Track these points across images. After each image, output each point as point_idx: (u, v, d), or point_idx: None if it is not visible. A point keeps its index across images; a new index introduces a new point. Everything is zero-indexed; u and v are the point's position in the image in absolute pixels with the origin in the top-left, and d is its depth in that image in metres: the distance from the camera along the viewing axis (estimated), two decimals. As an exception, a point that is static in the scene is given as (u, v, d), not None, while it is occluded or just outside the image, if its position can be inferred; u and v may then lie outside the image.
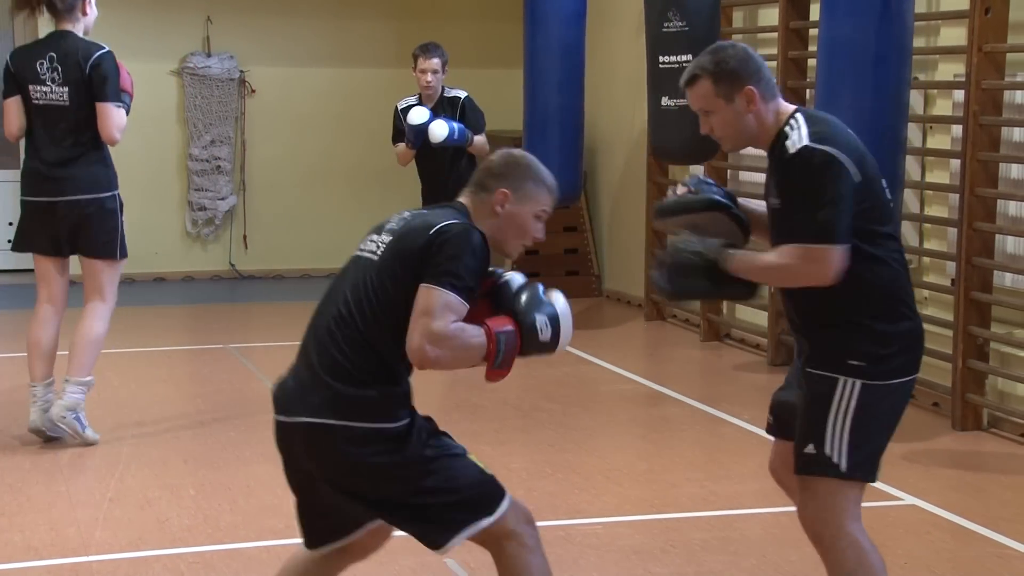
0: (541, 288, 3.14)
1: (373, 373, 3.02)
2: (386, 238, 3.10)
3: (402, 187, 10.29)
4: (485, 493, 3.11)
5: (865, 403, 3.09)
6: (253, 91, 9.90)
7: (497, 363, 3.00)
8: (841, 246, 3.04)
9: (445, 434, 3.18)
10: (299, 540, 4.31)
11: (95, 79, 5.28)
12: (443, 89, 6.90)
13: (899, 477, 5.05)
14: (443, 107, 6.87)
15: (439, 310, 2.91)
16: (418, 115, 6.68)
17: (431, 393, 6.59)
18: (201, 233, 9.95)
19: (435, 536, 3.11)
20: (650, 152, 8.01)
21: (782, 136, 3.16)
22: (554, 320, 3.07)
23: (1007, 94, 5.75)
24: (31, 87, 5.32)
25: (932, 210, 6.32)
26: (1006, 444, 5.58)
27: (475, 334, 2.97)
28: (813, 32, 6.93)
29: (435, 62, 6.81)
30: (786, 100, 7.54)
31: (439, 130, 6.58)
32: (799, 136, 3.12)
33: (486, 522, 3.07)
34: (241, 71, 9.86)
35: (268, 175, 10.02)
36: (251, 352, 7.45)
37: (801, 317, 3.21)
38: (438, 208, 3.17)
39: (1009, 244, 5.78)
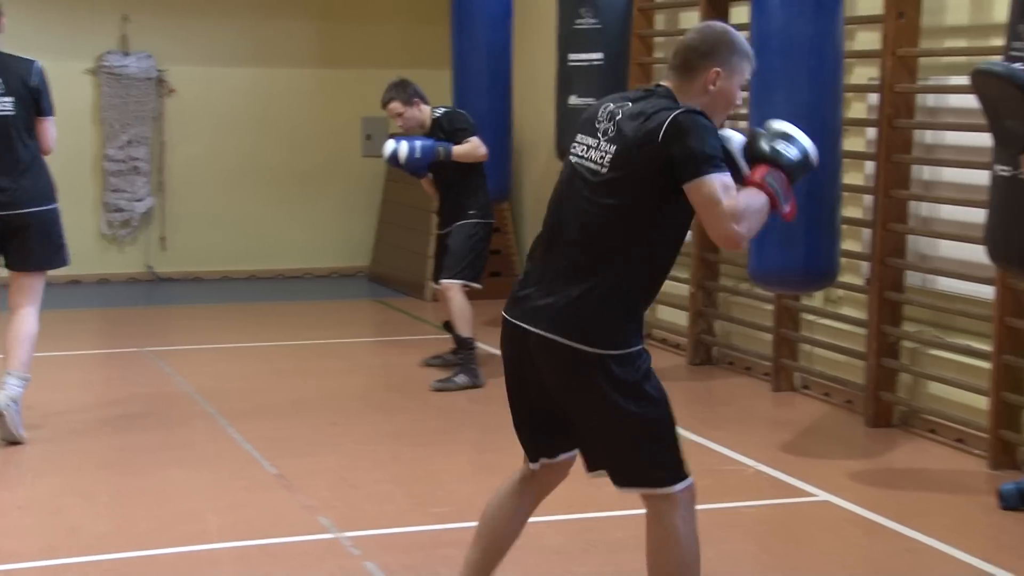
0: (758, 131, 3.17)
1: (622, 292, 3.04)
2: (609, 147, 3.05)
3: (326, 188, 10.26)
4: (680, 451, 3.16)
5: None
6: (172, 91, 9.77)
7: (784, 203, 3.06)
8: None
9: None
10: (228, 544, 4.29)
11: (38, 93, 5.37)
12: (433, 112, 6.72)
13: (813, 474, 5.11)
14: (437, 129, 6.61)
15: (722, 193, 2.95)
16: (384, 148, 6.61)
17: (349, 395, 6.56)
18: (117, 235, 9.80)
19: (661, 473, 3.14)
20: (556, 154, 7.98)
21: None
22: (786, 136, 3.12)
23: (919, 97, 5.85)
24: None
25: (847, 211, 6.42)
26: (917, 440, 5.68)
27: (754, 195, 3.04)
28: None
29: (392, 107, 6.64)
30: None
31: (402, 150, 6.50)
32: None
33: (680, 486, 3.13)
34: (159, 71, 9.72)
35: (188, 176, 9.90)
36: (169, 355, 7.34)
37: None
38: (645, 102, 3.08)
39: (921, 244, 5.90)
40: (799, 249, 5.23)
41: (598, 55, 6.70)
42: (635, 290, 3.08)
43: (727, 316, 7.21)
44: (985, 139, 5.28)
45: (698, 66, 3.09)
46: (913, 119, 5.84)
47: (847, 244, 6.39)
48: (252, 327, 8.26)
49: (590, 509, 4.80)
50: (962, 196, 5.59)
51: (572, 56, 6.81)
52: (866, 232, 6.10)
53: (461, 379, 6.55)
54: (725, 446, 5.53)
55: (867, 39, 6.18)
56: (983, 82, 3.18)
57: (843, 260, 6.38)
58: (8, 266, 5.52)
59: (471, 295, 6.68)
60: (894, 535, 4.49)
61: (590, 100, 6.68)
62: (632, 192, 3.02)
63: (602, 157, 3.06)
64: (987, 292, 5.32)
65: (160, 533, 4.44)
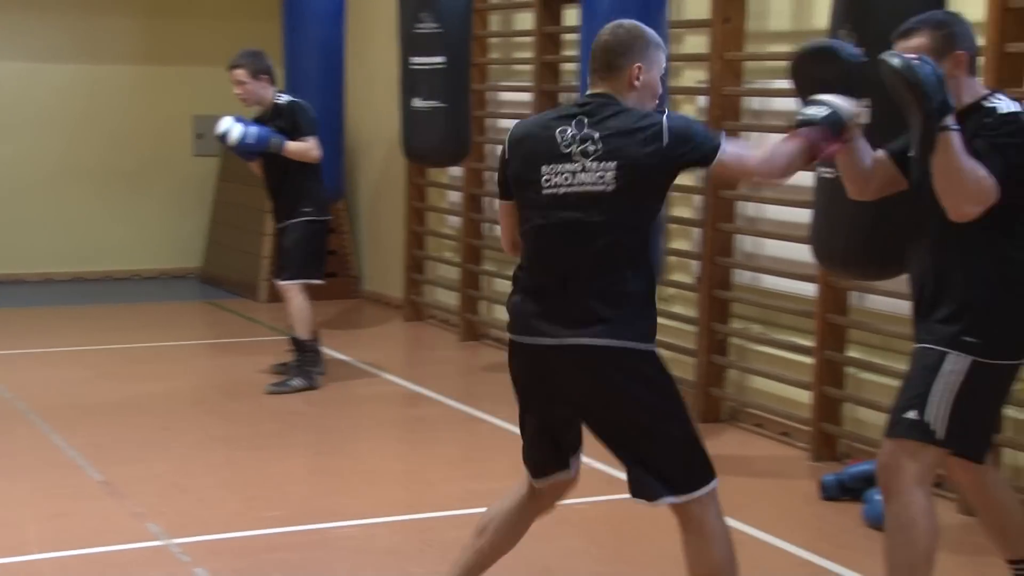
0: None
1: (642, 291, 3.17)
2: (605, 164, 3.13)
3: (154, 188, 9.99)
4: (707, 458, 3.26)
5: (972, 380, 3.25)
6: (-10, 86, 9.39)
7: (825, 145, 3.25)
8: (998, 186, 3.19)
9: None
10: (48, 555, 4.13)
11: None
12: (277, 97, 6.53)
13: (647, 469, 5.21)
14: (277, 116, 6.44)
15: (740, 151, 3.22)
16: (219, 125, 6.37)
17: (181, 399, 6.40)
18: (-69, 236, 9.37)
19: (681, 482, 3.21)
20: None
21: (984, 107, 3.30)
22: (818, 103, 3.28)
23: (745, 100, 6.02)
24: None
25: (677, 211, 6.56)
26: (744, 434, 5.84)
27: (781, 142, 3.26)
28: (566, 37, 7.09)
29: (236, 72, 6.44)
30: (543, 104, 7.61)
31: (234, 132, 6.28)
32: (1007, 104, 3.30)
33: (707, 489, 3.22)
34: (-25, 65, 9.33)
35: (6, 175, 9.51)
36: (-12, 361, 7.05)
37: (936, 291, 3.31)
38: (615, 117, 3.17)
39: (747, 244, 6.07)
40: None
41: (440, 58, 6.70)
42: (651, 285, 3.23)
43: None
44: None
45: (620, 65, 3.22)
46: (740, 121, 6.00)
47: (678, 243, 6.54)
48: (77, 330, 7.98)
49: (426, 509, 4.80)
50: (786, 197, 5.77)
51: (414, 59, 6.79)
52: (696, 232, 6.24)
53: (297, 382, 6.46)
54: (560, 443, 5.59)
55: (695, 43, 6.33)
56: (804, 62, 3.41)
57: (674, 259, 6.54)
58: None
59: (311, 294, 6.57)
60: (722, 527, 4.60)
61: (434, 103, 6.68)
62: (644, 198, 3.16)
63: (601, 176, 3.13)
64: (809, 290, 5.50)
65: (-24, 545, 4.25)
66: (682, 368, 6.26)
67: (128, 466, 5.14)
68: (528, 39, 7.38)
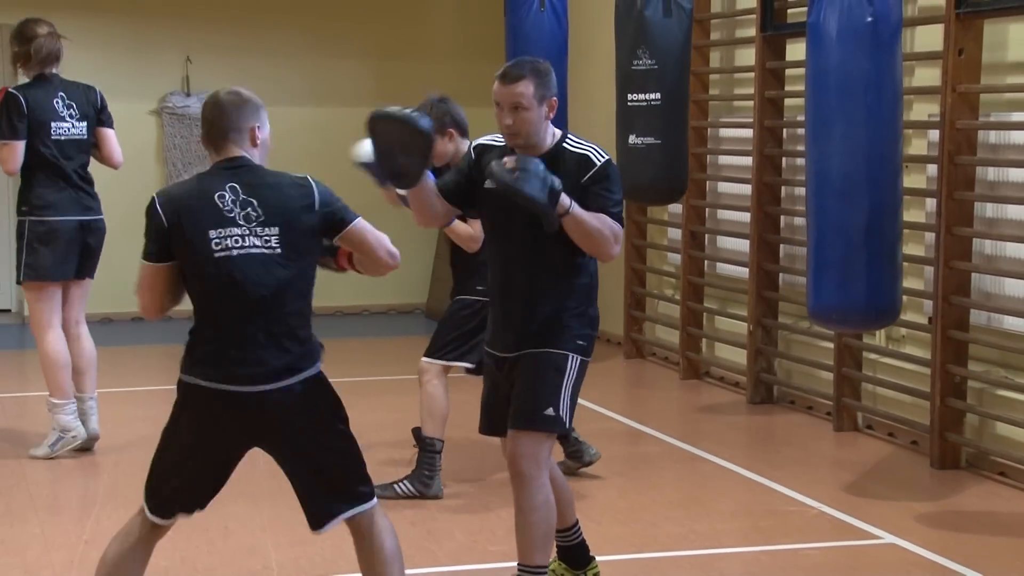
0: None
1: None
2: (268, 230, 3.46)
3: (380, 223, 10.29)
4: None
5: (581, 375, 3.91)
6: (232, 130, 9.90)
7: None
8: None
9: None
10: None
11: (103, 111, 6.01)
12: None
13: (879, 515, 5.05)
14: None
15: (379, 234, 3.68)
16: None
17: (403, 429, 6.54)
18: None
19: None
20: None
21: (575, 152, 3.84)
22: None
23: (981, 134, 5.80)
24: (53, 124, 5.79)
25: (909, 248, 6.35)
26: (985, 482, 5.59)
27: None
28: (790, 72, 7.00)
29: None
30: (764, 140, 7.48)
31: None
32: (593, 148, 3.86)
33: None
34: (220, 110, 9.85)
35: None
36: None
37: (541, 302, 3.85)
38: (257, 176, 3.59)
39: (986, 283, 5.82)
40: (860, 285, 5.16)
41: (656, 95, 6.73)
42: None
43: (787, 355, 7.15)
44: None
45: (243, 127, 3.58)
46: (975, 156, 5.78)
47: (909, 282, 6.33)
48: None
49: (651, 549, 4.77)
50: (1028, 233, 5.52)
51: (631, 96, 6.84)
52: (928, 269, 6.03)
53: (401, 488, 5.40)
54: (787, 486, 5.48)
55: (927, 75, 6.15)
56: (378, 125, 3.90)
57: (905, 298, 6.33)
58: (75, 275, 5.87)
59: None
60: (962, 579, 4.42)
61: (650, 139, 6.70)
62: (299, 250, 3.58)
63: (265, 240, 3.47)
64: (1053, 331, 5.23)
65: (221, 567, 4.46)
66: (916, 411, 6.05)
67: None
68: (749, 75, 7.32)
